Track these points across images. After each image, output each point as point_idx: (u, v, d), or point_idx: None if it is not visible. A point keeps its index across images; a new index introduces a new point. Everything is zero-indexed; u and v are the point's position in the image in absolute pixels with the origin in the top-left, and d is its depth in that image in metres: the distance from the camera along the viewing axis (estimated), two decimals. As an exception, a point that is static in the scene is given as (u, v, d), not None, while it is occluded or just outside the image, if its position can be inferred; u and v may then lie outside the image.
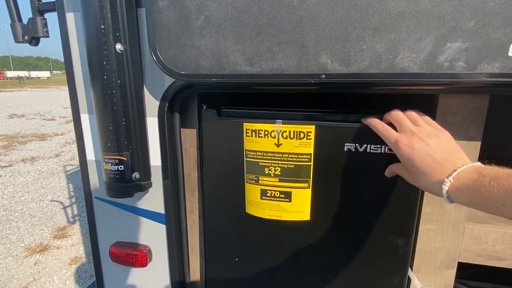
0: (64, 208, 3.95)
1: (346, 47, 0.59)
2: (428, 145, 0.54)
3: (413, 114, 0.63)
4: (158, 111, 0.79)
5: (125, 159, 0.73)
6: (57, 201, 4.12)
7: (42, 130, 8.39)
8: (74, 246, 3.14)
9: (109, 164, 0.73)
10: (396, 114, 0.63)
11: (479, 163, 0.52)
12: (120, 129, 0.72)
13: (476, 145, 0.70)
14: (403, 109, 0.65)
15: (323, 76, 0.62)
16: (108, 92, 0.69)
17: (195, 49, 0.67)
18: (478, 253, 0.76)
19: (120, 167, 0.73)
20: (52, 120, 10.14)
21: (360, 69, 0.60)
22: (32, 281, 2.61)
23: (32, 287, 2.53)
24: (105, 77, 0.68)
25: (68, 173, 5.13)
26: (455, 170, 0.50)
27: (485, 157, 0.63)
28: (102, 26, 0.66)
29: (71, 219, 3.65)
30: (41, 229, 3.43)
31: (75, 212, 3.80)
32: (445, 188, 0.50)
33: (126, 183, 0.75)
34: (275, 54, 0.63)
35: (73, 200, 4.13)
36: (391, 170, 0.68)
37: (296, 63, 0.62)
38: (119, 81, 0.69)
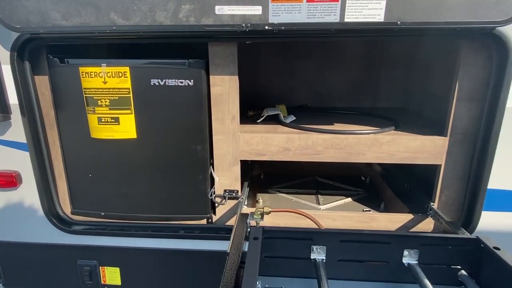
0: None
1: (124, 7, 0.91)
2: None
3: None
4: (10, 60, 1.04)
5: (-22, 93, 0.97)
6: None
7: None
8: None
9: (-35, 97, 0.96)
10: None
11: None
12: (-28, 70, 0.95)
13: (236, 78, 1.07)
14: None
15: (114, 27, 0.93)
16: (-43, 40, 0.92)
17: (24, 9, 0.93)
18: (249, 152, 1.15)
19: (-26, 99, 0.97)
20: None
21: (136, 22, 0.92)
22: None
23: None
24: (-47, 29, 0.91)
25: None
26: None
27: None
28: None
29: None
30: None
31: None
32: None
33: (-18, 112, 0.99)
34: (81, 12, 0.92)
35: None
36: None
37: (95, 18, 0.93)
38: (-34, 32, 0.93)
